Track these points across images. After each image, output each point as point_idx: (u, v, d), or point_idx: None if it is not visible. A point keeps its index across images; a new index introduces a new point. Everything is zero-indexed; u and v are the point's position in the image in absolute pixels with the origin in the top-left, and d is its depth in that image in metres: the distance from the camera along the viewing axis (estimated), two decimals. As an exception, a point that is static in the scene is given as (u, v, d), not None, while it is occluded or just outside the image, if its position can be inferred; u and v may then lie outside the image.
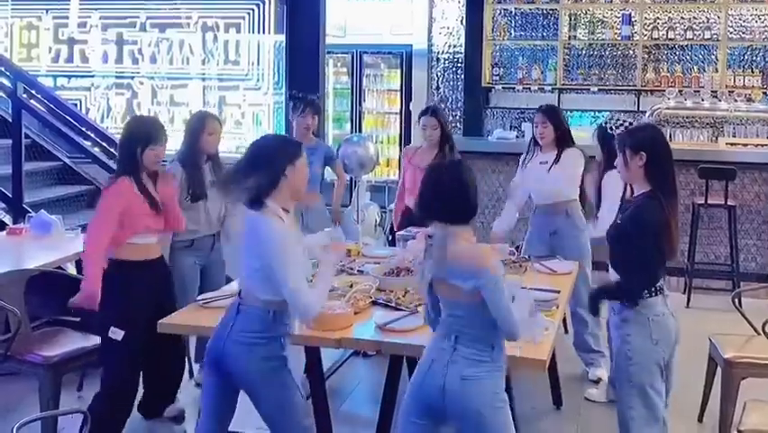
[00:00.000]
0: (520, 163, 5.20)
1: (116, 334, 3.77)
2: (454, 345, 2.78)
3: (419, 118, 5.38)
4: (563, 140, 5.01)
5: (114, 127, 7.58)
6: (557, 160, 4.97)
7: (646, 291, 3.22)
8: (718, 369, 4.23)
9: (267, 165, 2.99)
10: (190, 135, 4.58)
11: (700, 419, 4.46)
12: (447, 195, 2.82)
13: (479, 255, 2.78)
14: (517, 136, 8.36)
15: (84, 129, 6.84)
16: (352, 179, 7.95)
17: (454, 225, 2.81)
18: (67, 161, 7.31)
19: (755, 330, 4.21)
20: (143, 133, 3.93)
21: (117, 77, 7.92)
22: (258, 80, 7.53)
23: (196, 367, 4.87)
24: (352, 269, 4.32)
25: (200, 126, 4.57)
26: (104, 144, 6.68)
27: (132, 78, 7.85)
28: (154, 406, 4.30)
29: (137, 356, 3.92)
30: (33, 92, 6.92)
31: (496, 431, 2.79)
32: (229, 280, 4.50)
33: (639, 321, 3.22)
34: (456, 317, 2.81)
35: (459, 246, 2.79)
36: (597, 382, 4.89)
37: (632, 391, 3.25)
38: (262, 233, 2.95)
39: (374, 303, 3.69)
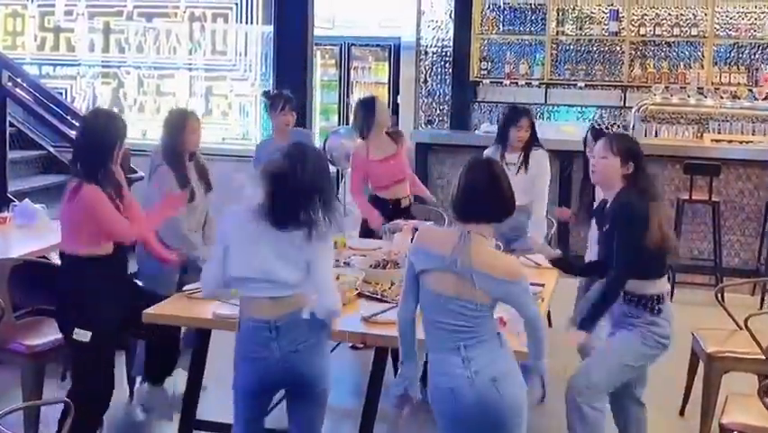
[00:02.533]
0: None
1: (82, 336, 3.53)
2: (466, 355, 2.70)
3: None
4: (533, 141, 5.11)
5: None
6: (525, 163, 5.02)
7: (657, 303, 3.29)
8: (701, 363, 4.26)
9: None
10: (172, 133, 4.45)
11: (682, 413, 4.49)
12: (499, 194, 2.75)
13: (510, 264, 2.78)
14: (504, 130, 8.34)
15: (69, 118, 6.80)
16: (338, 171, 7.94)
17: (488, 223, 2.76)
18: (51, 149, 7.27)
19: (738, 325, 4.24)
20: (122, 126, 3.69)
21: (103, 66, 7.87)
22: (245, 71, 7.50)
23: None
24: (338, 261, 4.31)
25: (181, 125, 4.45)
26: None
27: (119, 67, 7.81)
28: (157, 372, 4.15)
29: (108, 356, 3.71)
30: (18, 80, 6.87)
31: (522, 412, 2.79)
32: None
33: (640, 331, 3.30)
34: (453, 322, 2.70)
35: (487, 249, 2.73)
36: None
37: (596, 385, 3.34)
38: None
39: (360, 295, 3.70)
